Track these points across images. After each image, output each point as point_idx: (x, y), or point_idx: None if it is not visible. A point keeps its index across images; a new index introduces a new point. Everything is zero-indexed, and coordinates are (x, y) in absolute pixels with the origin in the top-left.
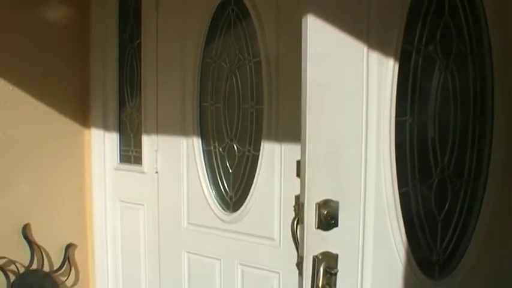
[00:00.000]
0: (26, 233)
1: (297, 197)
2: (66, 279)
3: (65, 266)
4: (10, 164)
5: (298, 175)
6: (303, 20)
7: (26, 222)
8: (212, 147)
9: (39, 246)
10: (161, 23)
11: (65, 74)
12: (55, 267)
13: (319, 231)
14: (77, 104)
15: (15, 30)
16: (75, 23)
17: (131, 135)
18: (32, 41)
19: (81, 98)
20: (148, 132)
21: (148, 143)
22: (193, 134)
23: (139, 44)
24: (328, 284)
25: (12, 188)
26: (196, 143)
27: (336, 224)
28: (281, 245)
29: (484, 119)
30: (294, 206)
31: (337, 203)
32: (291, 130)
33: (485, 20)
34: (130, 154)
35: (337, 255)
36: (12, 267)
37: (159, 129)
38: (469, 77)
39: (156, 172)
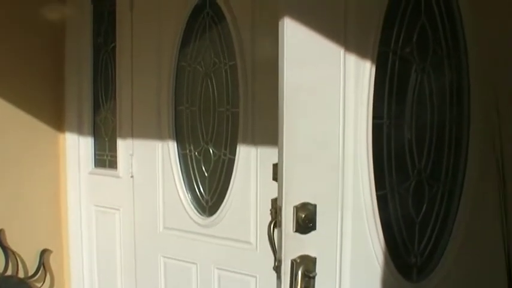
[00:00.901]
0: (0, 238)
1: (274, 201)
2: (41, 285)
3: (40, 271)
4: None
5: (274, 179)
6: (280, 23)
7: (0, 227)
8: (188, 151)
9: (13, 252)
10: (136, 26)
11: (38, 77)
12: (30, 273)
13: (297, 234)
14: (51, 108)
15: None
16: (50, 25)
17: (106, 139)
18: (5, 44)
19: (56, 102)
20: (123, 136)
21: (123, 147)
22: (169, 137)
23: (114, 47)
24: (307, 287)
25: None
26: (172, 146)
27: (313, 227)
28: (258, 249)
29: (461, 121)
30: (271, 210)
31: (314, 206)
32: (267, 133)
33: (461, 23)
34: (105, 158)
35: (315, 258)
36: None
37: (134, 133)
38: (446, 79)
39: (132, 176)
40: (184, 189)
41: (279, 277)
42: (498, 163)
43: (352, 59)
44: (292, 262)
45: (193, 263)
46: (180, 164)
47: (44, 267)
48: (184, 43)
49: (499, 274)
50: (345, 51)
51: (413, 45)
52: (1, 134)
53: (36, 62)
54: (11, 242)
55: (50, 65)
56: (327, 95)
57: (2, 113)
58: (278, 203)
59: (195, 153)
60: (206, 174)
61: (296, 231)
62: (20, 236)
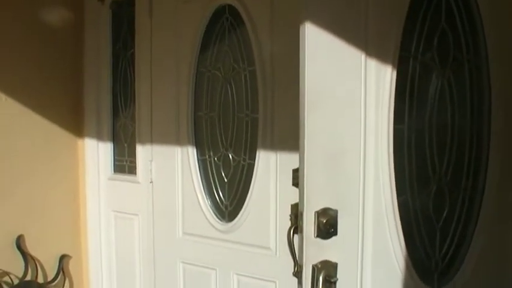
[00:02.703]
0: (19, 244)
1: (293, 206)
2: None
3: (59, 277)
4: (3, 175)
5: (294, 184)
6: (301, 28)
7: (19, 233)
8: (207, 157)
9: (33, 257)
10: (155, 32)
11: (58, 83)
12: (49, 279)
13: (318, 239)
14: (71, 114)
15: (8, 41)
16: (69, 32)
17: (125, 145)
18: (26, 51)
19: (75, 108)
20: (142, 142)
21: (143, 152)
22: (188, 143)
23: (133, 53)
24: None
25: (5, 198)
26: (191, 152)
27: (335, 233)
28: (277, 254)
29: (482, 126)
30: (290, 215)
31: (336, 211)
32: (287, 139)
33: (482, 29)
34: (124, 164)
35: (336, 263)
36: (6, 278)
37: (153, 138)
38: (467, 85)
39: (151, 182)
40: (204, 194)
41: (300, 282)
42: None
43: (373, 64)
44: (314, 267)
45: (212, 268)
46: (199, 169)
47: (63, 272)
48: (204, 49)
49: None
50: (366, 56)
51: (434, 50)
52: (21, 139)
53: (56, 68)
54: (31, 247)
55: (69, 72)
56: (348, 100)
57: (23, 119)
58: (299, 208)
59: (214, 158)
60: (225, 180)
61: (317, 236)
62: (39, 241)
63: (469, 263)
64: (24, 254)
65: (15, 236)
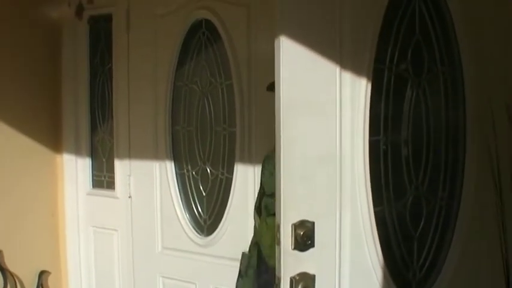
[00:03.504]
0: None
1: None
2: None
3: None
4: None
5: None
6: (276, 42)
7: None
8: (185, 171)
9: (12, 274)
10: (132, 47)
11: (35, 99)
12: None
13: (296, 251)
14: (49, 129)
15: None
16: (46, 47)
17: (104, 160)
18: (2, 67)
19: (53, 123)
20: (120, 157)
21: (121, 167)
22: (166, 157)
23: (111, 68)
24: None
25: None
26: (169, 166)
27: (312, 245)
28: None
29: (457, 135)
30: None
31: (312, 223)
32: (265, 152)
33: (456, 39)
34: (103, 179)
35: (314, 275)
36: None
37: (131, 153)
38: (441, 95)
39: (129, 197)
40: (182, 208)
41: None
42: (495, 176)
43: (347, 77)
44: (292, 279)
45: (192, 282)
46: (177, 183)
47: None
48: (181, 63)
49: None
50: (340, 68)
51: (408, 62)
52: None
53: (33, 84)
54: (10, 263)
55: (47, 87)
56: (324, 113)
57: (1, 136)
58: (276, 221)
59: (192, 172)
60: (204, 194)
61: (295, 248)
62: (18, 257)
63: (447, 272)
64: (3, 270)
65: None
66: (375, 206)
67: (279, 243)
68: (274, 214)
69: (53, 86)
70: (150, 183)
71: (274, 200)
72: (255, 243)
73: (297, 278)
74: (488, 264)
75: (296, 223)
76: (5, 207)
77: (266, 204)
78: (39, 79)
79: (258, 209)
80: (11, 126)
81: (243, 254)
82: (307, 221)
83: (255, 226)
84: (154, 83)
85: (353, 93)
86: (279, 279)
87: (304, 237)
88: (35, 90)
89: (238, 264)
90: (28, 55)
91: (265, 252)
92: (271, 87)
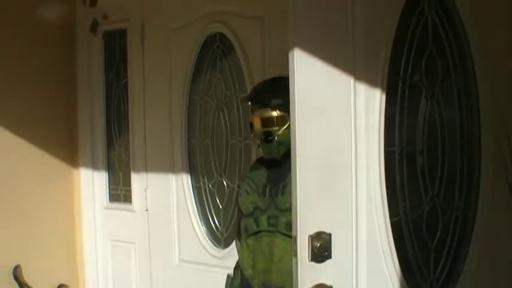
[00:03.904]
0: (16, 274)
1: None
2: None
3: None
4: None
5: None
6: (290, 54)
7: (16, 263)
8: (202, 184)
9: None
10: (147, 61)
11: (52, 115)
12: None
13: (313, 263)
14: (65, 144)
15: (2, 82)
16: (61, 63)
17: (120, 173)
18: (18, 84)
19: (69, 138)
20: (137, 170)
21: (138, 181)
22: (183, 170)
23: (126, 82)
24: None
25: (2, 229)
26: (186, 179)
27: (329, 256)
28: None
29: (472, 146)
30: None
31: (329, 234)
32: None
33: (469, 50)
34: (119, 193)
35: (331, 287)
36: None
37: (148, 167)
38: (456, 106)
39: (146, 210)
40: (199, 221)
41: None
42: (510, 186)
43: (362, 88)
44: None
45: None
46: (194, 196)
47: None
48: (195, 76)
49: None
50: (354, 80)
51: (422, 73)
52: (16, 170)
53: (49, 100)
54: (28, 277)
55: (63, 102)
56: (339, 124)
57: (17, 151)
58: (293, 232)
59: (209, 185)
60: (220, 206)
61: (311, 260)
62: (36, 271)
63: (464, 283)
64: (22, 285)
65: (12, 267)
66: (391, 216)
67: (295, 255)
68: (253, 234)
69: (68, 101)
70: (167, 196)
71: (253, 220)
72: (238, 266)
73: None
74: (505, 275)
75: (313, 235)
76: (23, 221)
77: (245, 224)
78: (55, 95)
79: (238, 232)
80: (28, 141)
81: (228, 275)
82: (324, 233)
83: (237, 248)
84: (169, 96)
85: (367, 104)
86: None
87: (321, 249)
88: (51, 106)
89: None
90: (43, 72)
91: (248, 273)
92: (249, 98)
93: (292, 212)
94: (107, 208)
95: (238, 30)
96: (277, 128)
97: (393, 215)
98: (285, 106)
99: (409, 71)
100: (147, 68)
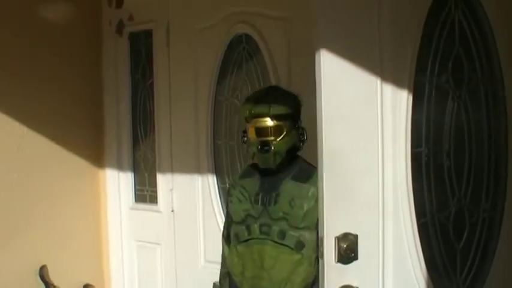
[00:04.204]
0: (42, 274)
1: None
2: None
3: None
4: (26, 206)
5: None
6: (316, 55)
7: (42, 263)
8: (227, 185)
9: (56, 287)
10: (173, 62)
11: (78, 115)
12: None
13: (339, 264)
14: (91, 145)
15: (28, 75)
16: (87, 64)
17: (146, 174)
18: (45, 84)
19: (95, 138)
20: (163, 171)
21: (163, 181)
22: (208, 171)
23: (152, 83)
24: None
25: (28, 229)
26: (212, 180)
27: (355, 257)
28: None
29: (499, 147)
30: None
31: (356, 236)
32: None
33: (496, 49)
34: (145, 193)
35: None
36: None
37: (173, 167)
38: (483, 107)
39: (172, 211)
40: None
41: None
42: None
43: (388, 89)
44: None
45: None
46: (220, 197)
47: None
48: (221, 77)
49: None
50: (381, 81)
51: (448, 74)
52: (43, 171)
53: (75, 100)
54: (53, 277)
55: (89, 103)
56: (365, 125)
57: (44, 151)
58: (320, 234)
59: None
60: None
61: (338, 261)
62: (62, 271)
63: (491, 285)
64: (47, 284)
65: (38, 266)
66: (417, 218)
67: (322, 257)
68: (245, 241)
69: (95, 102)
70: (193, 197)
71: (245, 227)
72: (226, 273)
73: None
74: None
75: (339, 236)
76: (49, 222)
77: (236, 231)
78: (82, 96)
79: (227, 238)
80: (54, 141)
81: (214, 284)
82: (351, 234)
83: (223, 256)
84: (195, 97)
85: (394, 105)
86: None
87: (348, 250)
88: (78, 106)
89: None
90: (70, 73)
91: (237, 279)
92: (247, 107)
93: (319, 213)
94: (132, 209)
95: (263, 31)
96: (273, 138)
97: (420, 216)
98: (282, 116)
99: (436, 71)
100: (172, 69)
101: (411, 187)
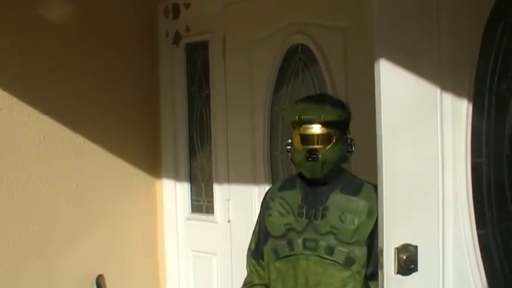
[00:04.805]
0: (99, 283)
1: None
2: None
3: None
4: (84, 216)
5: None
6: (375, 65)
7: (99, 272)
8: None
9: None
10: (229, 73)
11: (135, 126)
12: None
13: (399, 276)
14: (148, 155)
15: (86, 85)
16: (144, 75)
17: (202, 184)
18: (103, 95)
19: (152, 149)
20: (219, 182)
21: (220, 192)
22: (265, 182)
23: (208, 94)
24: None
25: (85, 239)
26: None
27: (415, 269)
28: None
29: None
30: None
31: (415, 247)
32: (364, 175)
33: None
34: (201, 204)
35: None
36: None
37: (230, 178)
38: None
39: (229, 221)
40: None
41: None
42: None
43: (448, 98)
44: None
45: None
46: None
47: None
48: (277, 88)
49: None
50: (441, 90)
51: (509, 81)
52: (100, 182)
53: (132, 111)
54: (110, 286)
55: (146, 114)
56: (425, 136)
57: (101, 162)
58: (379, 245)
59: None
60: None
61: (398, 273)
62: (119, 281)
63: None
64: None
65: (95, 276)
66: (478, 229)
67: (381, 268)
68: (285, 256)
69: (151, 112)
70: (249, 207)
71: (286, 242)
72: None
73: None
74: None
75: (399, 247)
76: (106, 232)
77: (275, 247)
78: (138, 107)
79: (255, 253)
80: (112, 153)
81: None
82: (410, 245)
83: (251, 270)
84: (251, 108)
85: (454, 114)
86: None
87: (408, 262)
88: (135, 117)
89: None
90: (126, 85)
91: None
92: (297, 113)
93: (378, 224)
94: (189, 219)
95: (320, 41)
96: (321, 146)
97: (480, 227)
98: (333, 123)
99: (496, 80)
100: (228, 80)
101: (472, 198)
